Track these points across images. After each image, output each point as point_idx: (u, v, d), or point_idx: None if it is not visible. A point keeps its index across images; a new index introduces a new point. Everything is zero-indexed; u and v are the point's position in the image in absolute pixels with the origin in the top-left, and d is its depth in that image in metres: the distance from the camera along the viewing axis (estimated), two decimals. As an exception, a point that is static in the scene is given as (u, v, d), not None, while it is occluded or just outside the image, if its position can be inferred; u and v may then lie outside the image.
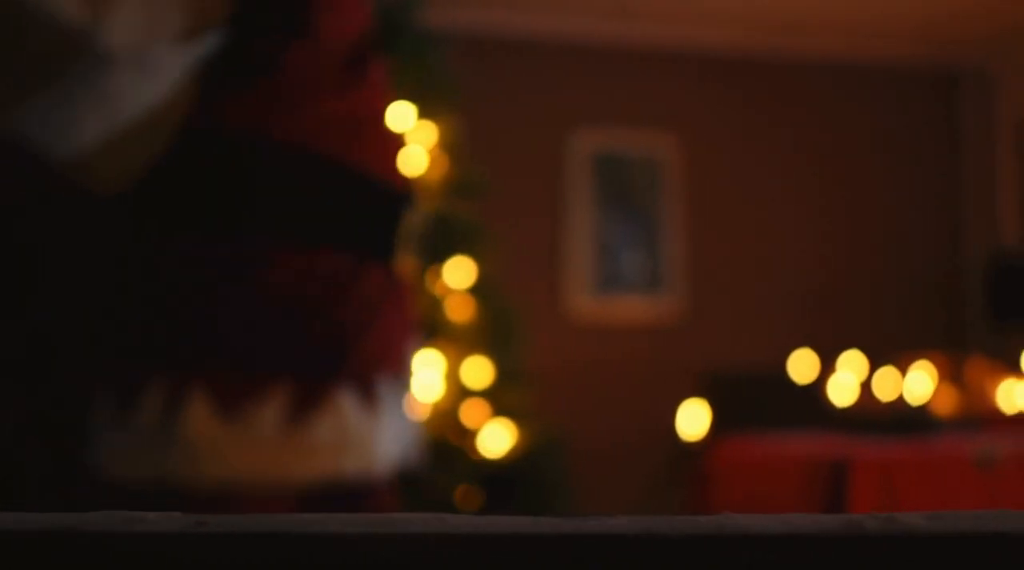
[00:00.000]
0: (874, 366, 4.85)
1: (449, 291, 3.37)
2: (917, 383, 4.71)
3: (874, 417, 3.64)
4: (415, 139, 3.35)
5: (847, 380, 4.68)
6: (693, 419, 4.63)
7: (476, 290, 3.39)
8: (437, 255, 3.36)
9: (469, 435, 3.29)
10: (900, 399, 4.49)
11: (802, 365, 4.69)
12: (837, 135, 6.25)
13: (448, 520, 0.60)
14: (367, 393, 1.56)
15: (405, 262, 1.69)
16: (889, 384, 4.74)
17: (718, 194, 6.02)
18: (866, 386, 4.71)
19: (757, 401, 4.45)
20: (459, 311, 3.38)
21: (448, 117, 3.44)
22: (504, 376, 3.35)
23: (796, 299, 5.91)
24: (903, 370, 4.81)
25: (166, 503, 1.44)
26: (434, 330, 3.28)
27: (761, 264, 5.99)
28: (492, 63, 5.65)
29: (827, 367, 4.80)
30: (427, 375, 3.22)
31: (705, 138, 6.02)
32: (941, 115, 6.46)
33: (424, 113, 3.39)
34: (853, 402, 4.51)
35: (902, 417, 3.30)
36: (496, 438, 3.28)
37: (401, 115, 3.33)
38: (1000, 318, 5.56)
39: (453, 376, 3.32)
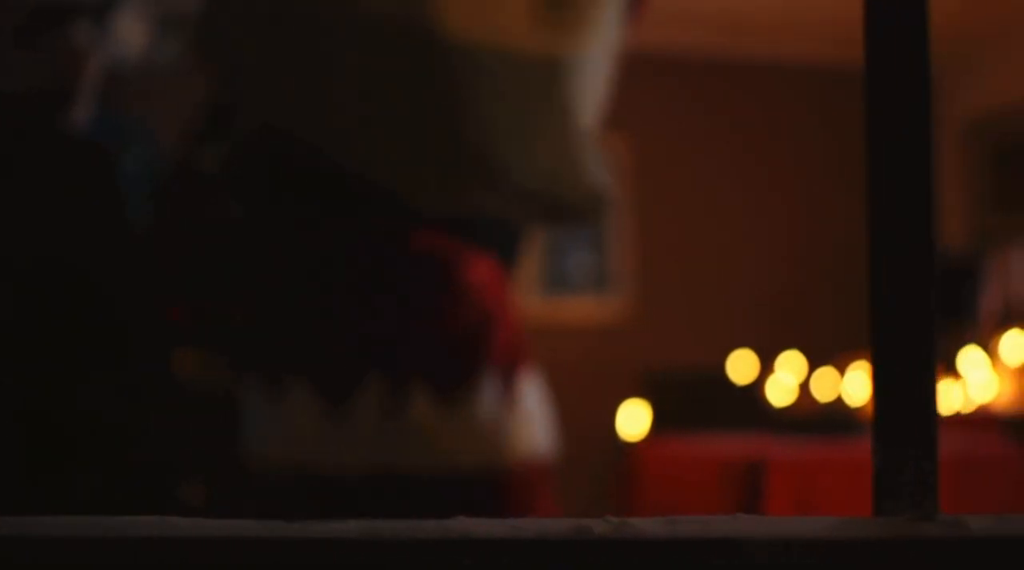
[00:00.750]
0: (815, 367, 4.86)
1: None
2: (855, 384, 4.72)
3: (802, 418, 3.65)
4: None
5: (785, 380, 4.68)
6: (634, 419, 4.64)
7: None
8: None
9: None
10: (835, 400, 4.50)
11: (742, 366, 4.70)
12: (785, 137, 6.28)
13: (175, 522, 0.59)
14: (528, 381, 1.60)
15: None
16: (827, 384, 4.75)
17: (666, 195, 6.03)
18: (805, 386, 4.72)
19: (697, 401, 4.46)
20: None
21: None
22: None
23: (742, 300, 5.93)
24: (842, 370, 4.82)
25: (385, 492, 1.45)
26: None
27: (708, 265, 6.00)
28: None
29: (768, 367, 4.81)
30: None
31: (654, 139, 6.03)
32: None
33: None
34: (791, 402, 4.51)
35: (827, 418, 3.31)
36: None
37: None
38: (943, 319, 5.60)
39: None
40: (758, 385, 4.66)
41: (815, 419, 3.28)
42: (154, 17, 4.24)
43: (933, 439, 0.61)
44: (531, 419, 1.57)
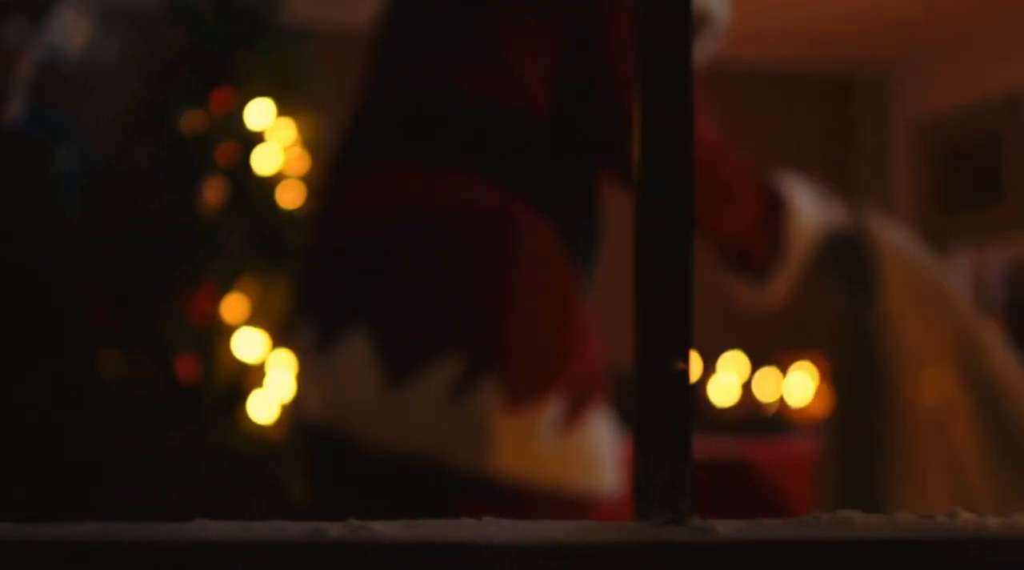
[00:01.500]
0: (758, 367, 4.87)
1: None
2: (797, 383, 4.74)
3: (730, 418, 3.66)
4: (273, 137, 3.33)
5: (728, 381, 4.70)
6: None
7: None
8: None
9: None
10: (761, 400, 4.51)
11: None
12: (735, 136, 6.27)
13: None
14: (607, 409, 1.57)
15: None
16: (770, 385, 4.76)
17: (612, 193, 6.02)
18: (748, 387, 4.73)
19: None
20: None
21: (310, 114, 3.42)
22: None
23: (702, 298, 5.91)
24: (785, 370, 4.84)
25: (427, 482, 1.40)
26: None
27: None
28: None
29: (711, 367, 4.82)
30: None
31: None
32: (837, 118, 6.52)
33: (285, 110, 3.37)
34: (726, 402, 4.53)
35: (757, 419, 3.32)
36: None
37: (259, 112, 3.30)
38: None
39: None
40: (700, 385, 4.67)
41: (741, 419, 3.29)
42: (96, 13, 4.20)
43: (687, 442, 0.61)
44: (591, 455, 1.53)
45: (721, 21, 1.77)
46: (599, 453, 1.52)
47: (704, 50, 1.81)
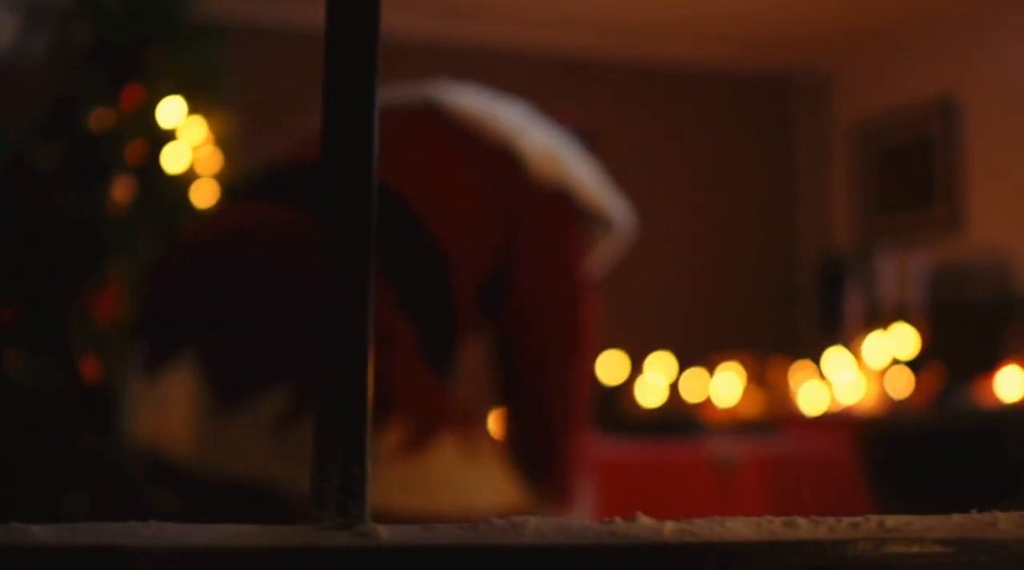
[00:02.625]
0: (685, 367, 4.89)
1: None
2: (725, 384, 4.76)
3: (646, 419, 3.66)
4: (184, 135, 3.29)
5: (655, 381, 4.70)
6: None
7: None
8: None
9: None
10: (672, 401, 4.53)
11: (611, 367, 4.70)
12: (674, 138, 6.30)
13: None
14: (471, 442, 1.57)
15: None
16: (698, 385, 4.78)
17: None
18: (675, 387, 4.74)
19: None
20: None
21: (222, 111, 3.39)
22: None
23: (622, 301, 5.93)
24: (712, 371, 4.86)
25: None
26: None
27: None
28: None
29: (638, 368, 4.82)
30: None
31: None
32: (776, 119, 6.54)
33: (196, 107, 3.34)
34: (661, 403, 4.53)
35: (667, 419, 3.33)
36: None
37: (170, 110, 3.27)
38: (831, 320, 5.64)
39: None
40: (627, 386, 4.67)
41: (658, 421, 3.29)
42: (24, 9, 4.15)
43: (363, 444, 0.59)
44: (440, 481, 1.53)
45: (621, 229, 1.81)
46: (451, 478, 1.52)
47: (605, 256, 1.85)
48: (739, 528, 0.59)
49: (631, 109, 6.22)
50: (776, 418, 4.47)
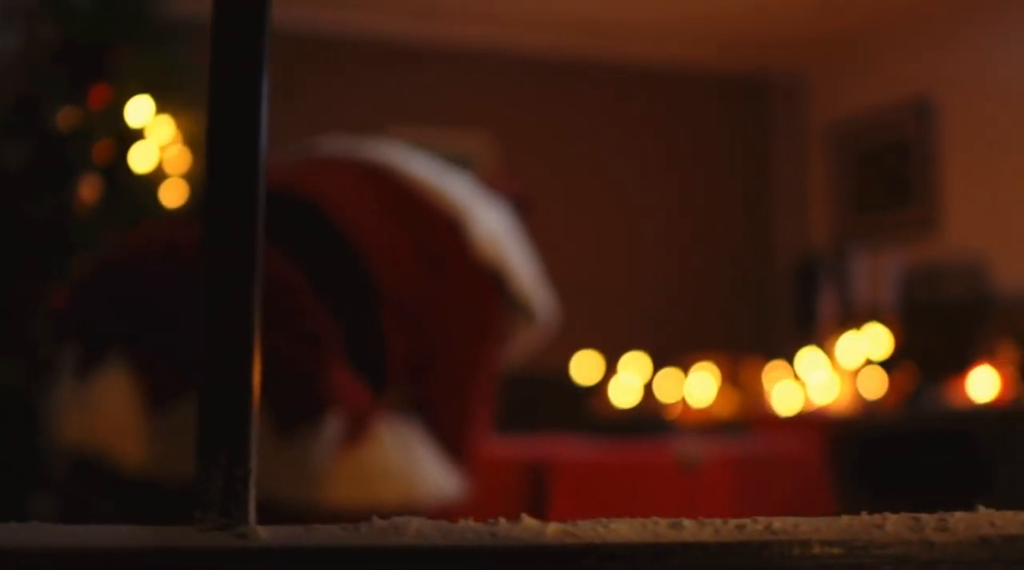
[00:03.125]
0: (660, 367, 4.88)
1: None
2: (699, 384, 4.76)
3: (616, 419, 3.66)
4: (152, 134, 3.28)
5: (629, 382, 4.70)
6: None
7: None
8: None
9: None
10: (648, 401, 4.53)
11: (585, 367, 4.70)
12: (651, 138, 6.31)
13: None
14: (399, 426, 1.58)
15: None
16: (672, 385, 4.78)
17: (531, 195, 6.01)
18: (650, 388, 4.74)
19: (538, 403, 4.45)
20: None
21: (191, 111, 3.38)
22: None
23: (598, 301, 5.93)
24: (687, 371, 4.86)
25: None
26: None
27: (571, 263, 6.00)
28: (308, 61, 5.58)
29: (612, 368, 4.82)
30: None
31: (518, 138, 6.02)
32: (752, 120, 6.55)
33: (164, 107, 3.32)
34: (635, 404, 4.53)
35: (637, 420, 3.33)
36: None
37: (137, 109, 3.25)
38: (806, 320, 5.66)
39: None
40: (602, 386, 4.67)
41: (628, 421, 3.29)
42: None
43: (246, 446, 0.59)
44: (382, 471, 1.53)
45: (543, 320, 1.88)
46: (389, 469, 1.52)
47: (524, 343, 1.93)
48: (622, 529, 0.58)
49: (608, 109, 6.22)
50: (750, 418, 4.48)
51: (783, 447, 3.30)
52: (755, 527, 0.59)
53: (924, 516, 0.61)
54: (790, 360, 4.88)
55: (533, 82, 6.09)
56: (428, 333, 1.73)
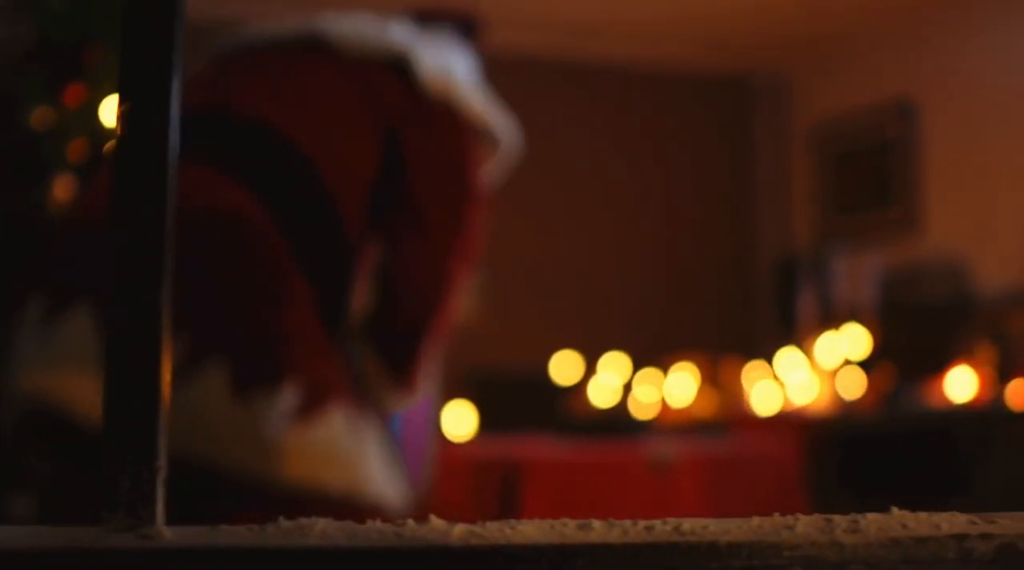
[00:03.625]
0: (641, 367, 4.89)
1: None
2: (679, 385, 4.76)
3: (590, 419, 3.66)
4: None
5: (609, 382, 4.70)
6: (458, 421, 4.62)
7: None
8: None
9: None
10: (625, 402, 4.53)
11: (565, 367, 4.70)
12: (635, 138, 6.31)
13: None
14: (358, 416, 1.56)
15: None
16: (651, 385, 4.78)
17: (514, 194, 6.01)
18: (629, 388, 4.74)
19: (519, 403, 4.45)
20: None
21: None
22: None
23: (579, 302, 5.93)
24: (667, 371, 4.86)
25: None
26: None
27: (552, 263, 6.00)
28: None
29: (592, 368, 4.82)
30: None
31: (500, 139, 6.00)
32: (736, 121, 6.56)
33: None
34: (614, 404, 4.53)
35: (613, 420, 3.33)
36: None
37: (113, 108, 3.24)
38: (787, 320, 5.67)
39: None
40: (581, 386, 4.67)
41: (604, 421, 3.29)
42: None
43: (154, 447, 0.59)
44: (328, 452, 1.51)
45: (507, 145, 1.84)
46: (336, 451, 1.50)
47: (491, 171, 1.88)
48: (529, 531, 0.58)
49: (591, 109, 6.22)
50: (729, 418, 4.48)
51: (758, 447, 3.31)
52: (664, 529, 0.59)
53: (836, 517, 0.61)
54: (771, 360, 4.88)
55: (516, 82, 6.08)
56: (395, 187, 1.68)
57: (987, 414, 4.19)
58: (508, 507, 2.57)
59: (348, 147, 1.65)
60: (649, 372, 4.85)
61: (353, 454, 1.52)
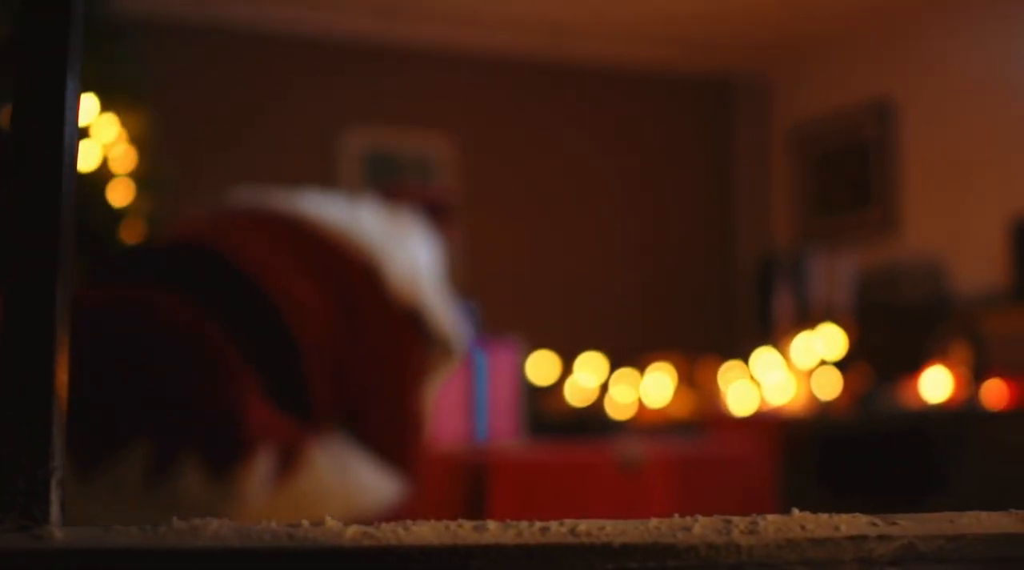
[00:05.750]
0: (618, 367, 4.89)
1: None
2: (655, 385, 4.77)
3: (566, 420, 3.66)
4: (97, 133, 3.26)
5: (585, 382, 4.71)
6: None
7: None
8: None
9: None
10: (601, 402, 4.53)
11: (541, 367, 4.70)
12: (613, 139, 6.31)
13: None
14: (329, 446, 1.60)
15: None
16: (628, 385, 4.78)
17: (492, 195, 6.02)
18: (606, 388, 4.75)
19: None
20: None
21: (137, 109, 3.36)
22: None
23: (563, 298, 5.94)
24: (644, 371, 4.86)
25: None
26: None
27: (530, 264, 6.01)
28: (267, 61, 5.57)
29: (568, 368, 4.82)
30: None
31: (479, 139, 6.02)
32: (715, 121, 6.57)
33: (109, 105, 3.30)
34: (590, 404, 4.54)
35: (586, 420, 3.33)
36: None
37: (83, 108, 3.23)
38: (765, 320, 5.68)
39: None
40: (557, 386, 4.67)
41: (578, 421, 3.29)
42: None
43: (49, 447, 0.58)
44: (323, 492, 1.54)
45: (459, 354, 1.92)
46: (328, 487, 1.54)
47: (441, 376, 1.97)
48: (423, 532, 0.58)
49: (570, 110, 6.23)
50: (705, 419, 4.49)
51: (731, 447, 3.31)
52: (560, 530, 0.59)
53: (736, 518, 0.61)
54: (748, 361, 4.89)
55: (495, 83, 6.09)
56: (353, 381, 1.75)
57: (962, 414, 4.20)
58: (476, 507, 2.57)
59: (309, 297, 1.72)
60: (626, 372, 4.86)
61: (343, 485, 1.55)
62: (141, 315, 1.58)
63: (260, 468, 1.48)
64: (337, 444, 1.62)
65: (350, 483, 1.58)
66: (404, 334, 1.84)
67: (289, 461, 1.52)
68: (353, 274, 1.80)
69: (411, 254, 1.88)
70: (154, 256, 1.78)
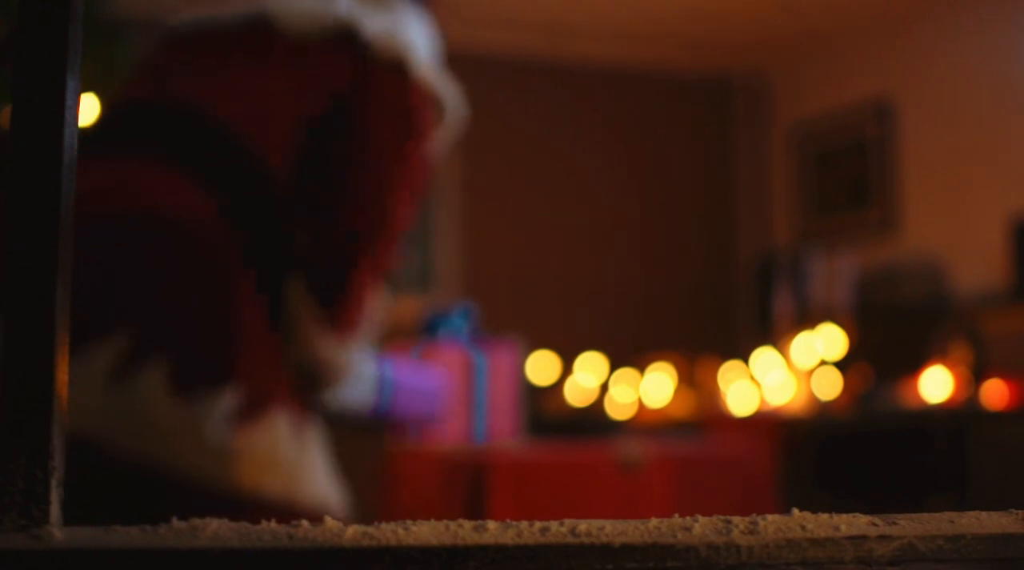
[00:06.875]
0: (618, 367, 4.89)
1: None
2: (655, 385, 4.77)
3: (567, 420, 3.66)
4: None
5: (585, 382, 4.71)
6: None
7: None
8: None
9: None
10: (601, 402, 4.53)
11: (541, 367, 4.70)
12: (613, 139, 6.31)
13: None
14: (300, 421, 1.53)
15: None
16: (628, 385, 4.79)
17: (492, 195, 6.02)
18: (606, 388, 4.75)
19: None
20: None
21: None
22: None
23: (563, 298, 5.94)
24: (644, 371, 4.86)
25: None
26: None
27: (529, 264, 6.01)
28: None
29: (568, 368, 4.82)
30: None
31: (477, 138, 6.01)
32: (715, 121, 6.57)
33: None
34: (590, 404, 4.54)
35: (586, 420, 3.33)
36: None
37: (82, 108, 3.24)
38: (765, 320, 5.68)
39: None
40: (557, 386, 4.67)
41: (578, 421, 3.29)
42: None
43: (48, 447, 0.58)
44: (267, 457, 1.49)
45: (453, 115, 1.81)
46: (277, 457, 1.49)
47: (438, 141, 1.84)
48: (422, 532, 0.58)
49: (569, 110, 6.23)
50: (705, 419, 4.49)
51: (731, 447, 3.31)
52: (559, 530, 0.59)
53: (735, 518, 0.61)
54: (748, 361, 4.89)
55: (493, 82, 6.09)
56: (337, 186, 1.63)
57: (962, 414, 4.20)
58: (476, 507, 2.57)
59: (282, 127, 1.61)
60: (626, 372, 4.86)
61: (294, 459, 1.51)
62: (131, 197, 1.51)
63: (224, 404, 1.44)
64: (304, 424, 1.57)
65: (298, 463, 1.53)
66: (393, 83, 1.71)
67: (253, 411, 1.47)
68: (326, 54, 1.64)
69: (391, 18, 1.76)
70: (140, 117, 1.65)
